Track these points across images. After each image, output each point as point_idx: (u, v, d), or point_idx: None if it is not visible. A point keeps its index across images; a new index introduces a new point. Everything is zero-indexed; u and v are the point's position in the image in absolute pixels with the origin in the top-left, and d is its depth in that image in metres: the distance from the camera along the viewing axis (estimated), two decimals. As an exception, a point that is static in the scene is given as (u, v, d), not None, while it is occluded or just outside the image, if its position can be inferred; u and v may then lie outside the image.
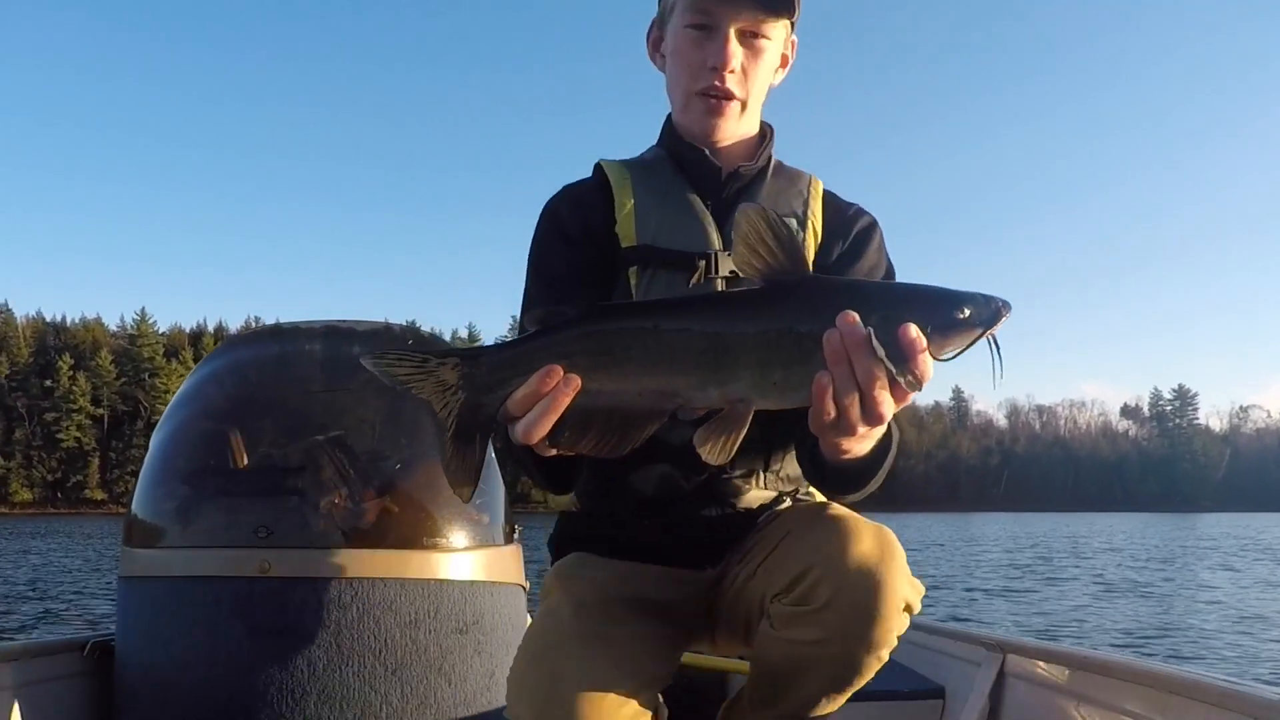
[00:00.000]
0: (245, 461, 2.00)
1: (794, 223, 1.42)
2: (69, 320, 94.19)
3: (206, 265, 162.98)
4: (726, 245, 1.37)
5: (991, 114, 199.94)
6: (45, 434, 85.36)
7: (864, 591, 1.24)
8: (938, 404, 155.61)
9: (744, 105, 1.41)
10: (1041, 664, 1.97)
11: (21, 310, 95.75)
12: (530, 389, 0.98)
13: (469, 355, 1.01)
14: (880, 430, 1.07)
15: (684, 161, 1.44)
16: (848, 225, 1.46)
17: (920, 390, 0.95)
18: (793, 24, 1.43)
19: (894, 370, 0.93)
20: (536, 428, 0.99)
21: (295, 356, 2.19)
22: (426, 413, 1.02)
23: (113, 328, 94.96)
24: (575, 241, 1.42)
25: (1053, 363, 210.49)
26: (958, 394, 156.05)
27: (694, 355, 0.98)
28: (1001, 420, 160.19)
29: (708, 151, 1.43)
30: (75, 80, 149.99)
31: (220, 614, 1.84)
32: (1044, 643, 2.05)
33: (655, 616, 1.42)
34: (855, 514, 1.32)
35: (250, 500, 1.94)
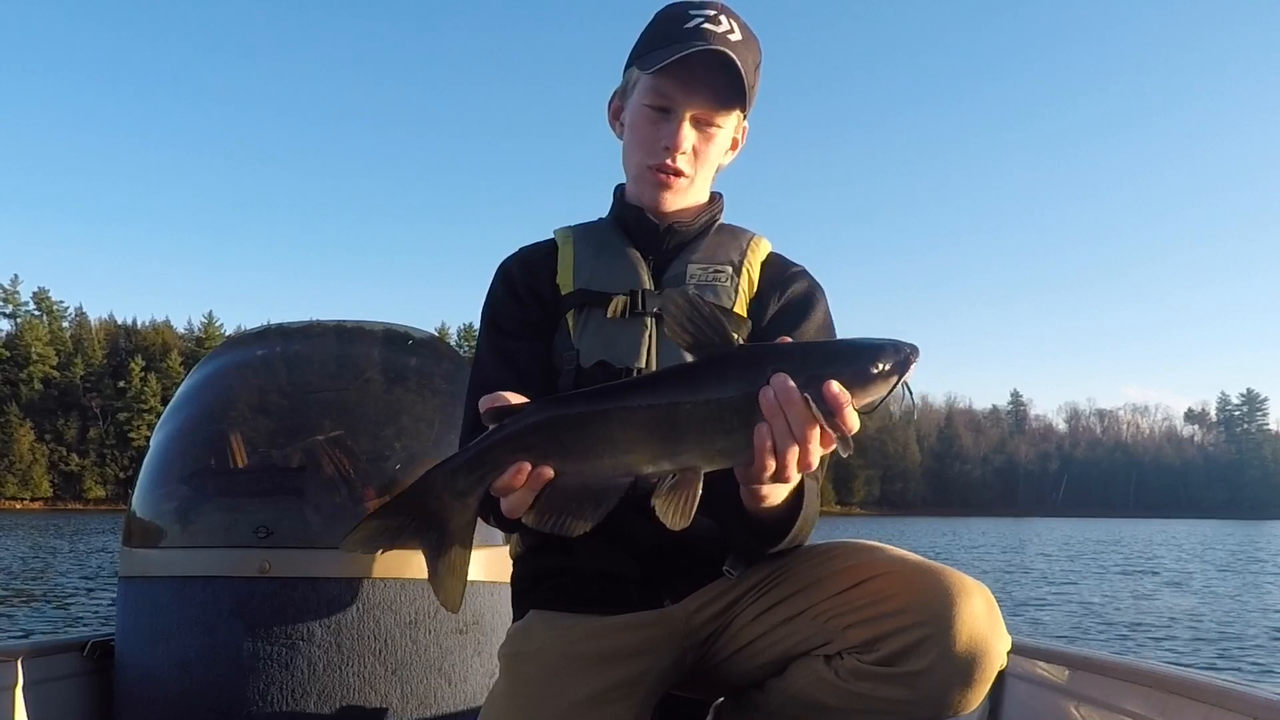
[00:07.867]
0: (245, 461, 2.01)
1: (729, 269, 1.49)
2: (139, 323, 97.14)
3: (271, 270, 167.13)
4: (658, 288, 1.47)
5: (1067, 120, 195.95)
6: (118, 433, 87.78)
7: (971, 661, 1.21)
8: (995, 408, 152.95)
9: (691, 181, 1.49)
10: (1041, 664, 1.93)
11: (95, 313, 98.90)
12: (504, 483, 1.07)
13: (446, 473, 1.09)
14: (794, 480, 1.15)
15: (625, 222, 1.53)
16: (786, 283, 1.52)
17: (849, 441, 1.02)
18: (745, 112, 1.50)
19: (824, 421, 1.01)
20: (516, 509, 1.09)
21: (295, 357, 2.20)
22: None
23: (181, 330, 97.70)
24: (523, 297, 1.51)
25: (1115, 367, 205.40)
26: (1015, 398, 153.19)
27: (644, 434, 1.05)
28: (1061, 425, 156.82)
29: (647, 211, 1.50)
30: (157, 96, 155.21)
31: (220, 614, 1.85)
32: (1044, 643, 2.00)
33: (617, 671, 1.39)
34: (950, 568, 1.27)
35: (250, 500, 1.95)
